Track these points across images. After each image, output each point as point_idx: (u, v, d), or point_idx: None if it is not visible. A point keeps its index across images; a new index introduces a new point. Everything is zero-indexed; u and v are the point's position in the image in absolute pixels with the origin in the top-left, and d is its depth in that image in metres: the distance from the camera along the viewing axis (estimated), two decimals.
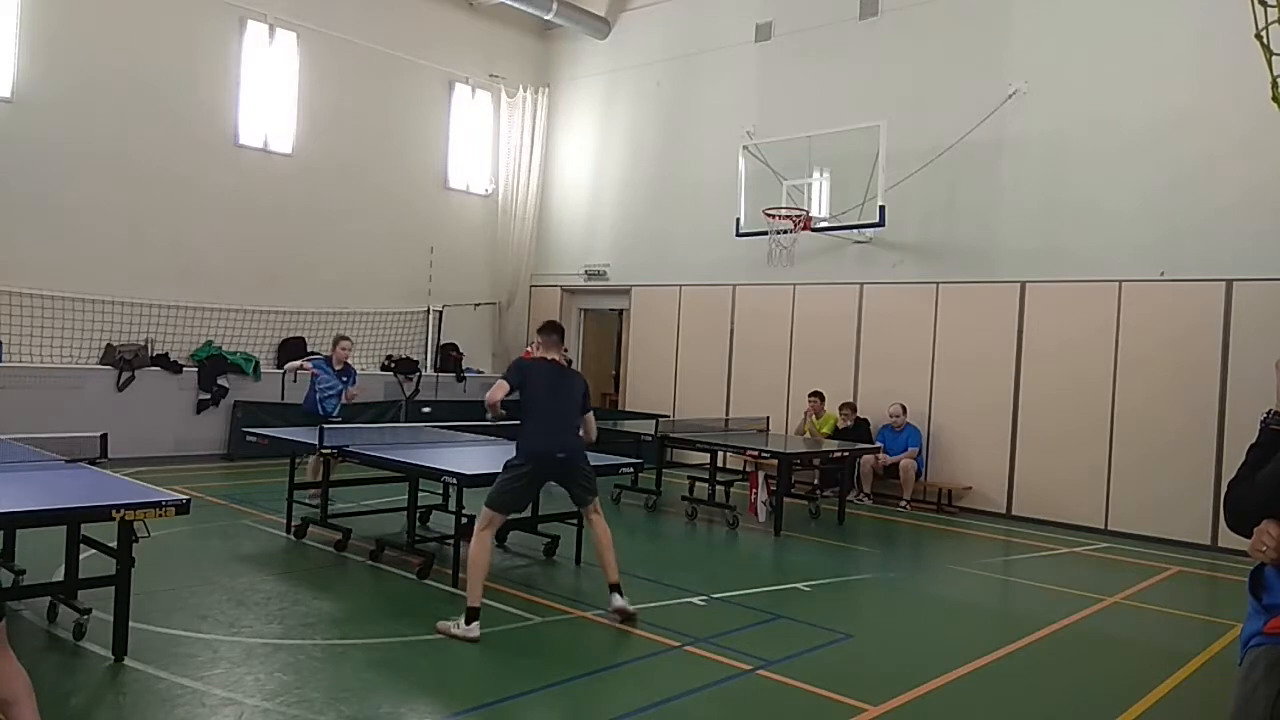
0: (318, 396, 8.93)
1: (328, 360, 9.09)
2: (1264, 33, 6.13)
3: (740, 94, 12.76)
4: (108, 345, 10.72)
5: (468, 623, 4.98)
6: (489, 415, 5.32)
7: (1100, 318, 9.66)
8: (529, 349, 12.25)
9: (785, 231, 10.92)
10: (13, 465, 5.24)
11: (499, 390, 5.24)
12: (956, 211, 10.75)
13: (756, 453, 9.28)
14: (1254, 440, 2.50)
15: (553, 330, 5.67)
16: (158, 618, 5.08)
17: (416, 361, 13.67)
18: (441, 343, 14.13)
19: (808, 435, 11.06)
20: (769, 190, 11.20)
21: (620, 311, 14.61)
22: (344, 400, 9.08)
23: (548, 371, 5.51)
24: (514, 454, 5.42)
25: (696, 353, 13.06)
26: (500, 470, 5.44)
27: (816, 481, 10.65)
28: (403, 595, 5.98)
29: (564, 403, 5.51)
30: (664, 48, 13.80)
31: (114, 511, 4.22)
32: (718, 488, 9.50)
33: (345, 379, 9.06)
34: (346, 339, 9.26)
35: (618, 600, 5.47)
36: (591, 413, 5.73)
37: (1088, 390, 9.69)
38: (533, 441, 5.37)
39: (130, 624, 4.51)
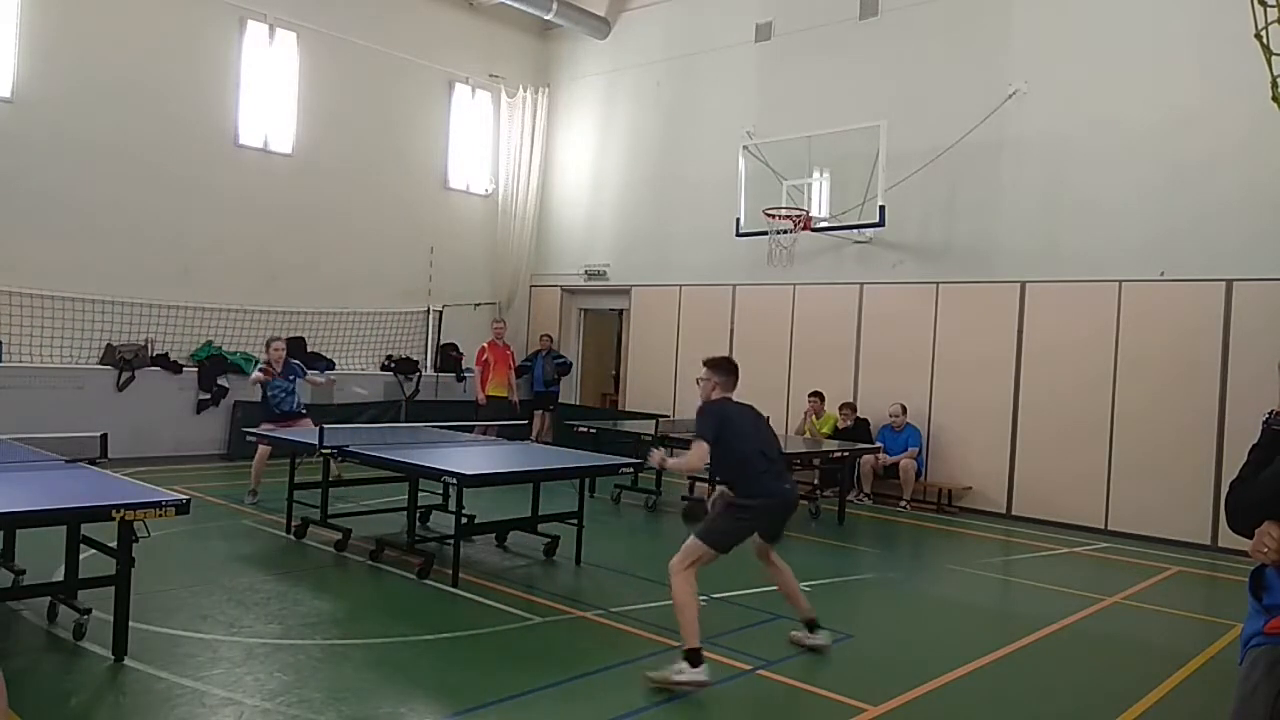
0: (272, 399, 9.00)
1: (267, 365, 9.11)
2: (1264, 33, 6.13)
3: (740, 94, 12.75)
4: (108, 345, 10.71)
5: (694, 665, 4.43)
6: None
7: (1100, 318, 9.66)
8: (484, 345, 12.43)
9: (785, 231, 10.92)
10: (13, 465, 5.24)
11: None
12: (956, 211, 10.75)
13: None
14: (1255, 441, 2.50)
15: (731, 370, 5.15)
16: (158, 618, 5.08)
17: (416, 361, 13.67)
18: (441, 343, 14.13)
19: (808, 435, 11.05)
20: (769, 190, 11.20)
21: (620, 311, 14.61)
22: (314, 386, 9.32)
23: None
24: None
25: (696, 353, 12.87)
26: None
27: (816, 481, 10.64)
28: (403, 595, 5.98)
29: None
30: (664, 48, 13.79)
31: (114, 511, 4.22)
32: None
33: (291, 377, 9.12)
34: (278, 339, 9.30)
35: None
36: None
37: (1088, 390, 9.68)
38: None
39: (130, 624, 4.51)
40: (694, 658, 4.44)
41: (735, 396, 5.18)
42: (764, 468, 4.91)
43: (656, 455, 5.01)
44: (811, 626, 5.14)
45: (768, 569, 5.16)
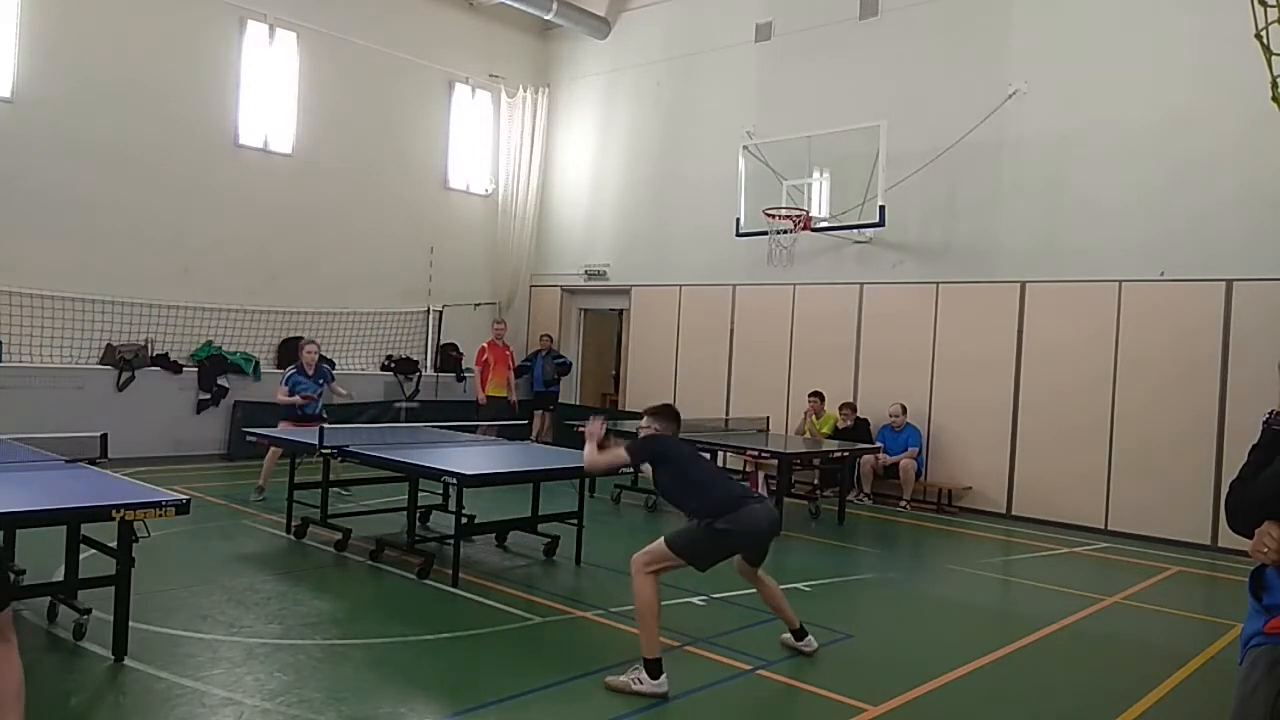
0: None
1: (300, 370, 9.15)
2: (1264, 33, 6.13)
3: (740, 94, 12.75)
4: (108, 345, 10.71)
5: (654, 677, 4.33)
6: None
7: (1100, 318, 9.66)
8: (484, 345, 12.43)
9: (785, 231, 10.92)
10: (13, 465, 5.24)
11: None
12: (956, 211, 10.75)
13: (756, 453, 9.28)
14: (1255, 440, 2.50)
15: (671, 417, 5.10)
16: (158, 618, 5.08)
17: (416, 361, 13.67)
18: (441, 343, 14.13)
19: (808, 435, 11.05)
20: (769, 190, 11.20)
21: (620, 311, 14.61)
22: (332, 399, 9.26)
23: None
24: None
25: (696, 353, 13.06)
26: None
27: (816, 481, 10.64)
28: (403, 595, 5.98)
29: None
30: (664, 48, 13.80)
31: (114, 511, 4.22)
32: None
33: (320, 381, 9.16)
34: (311, 342, 9.32)
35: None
36: None
37: (1088, 390, 9.69)
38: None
39: (130, 624, 4.52)
40: (654, 669, 4.35)
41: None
42: (735, 489, 4.86)
43: (596, 425, 5.07)
44: (799, 635, 5.12)
45: (752, 584, 5.11)
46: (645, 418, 5.11)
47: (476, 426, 9.97)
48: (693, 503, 4.71)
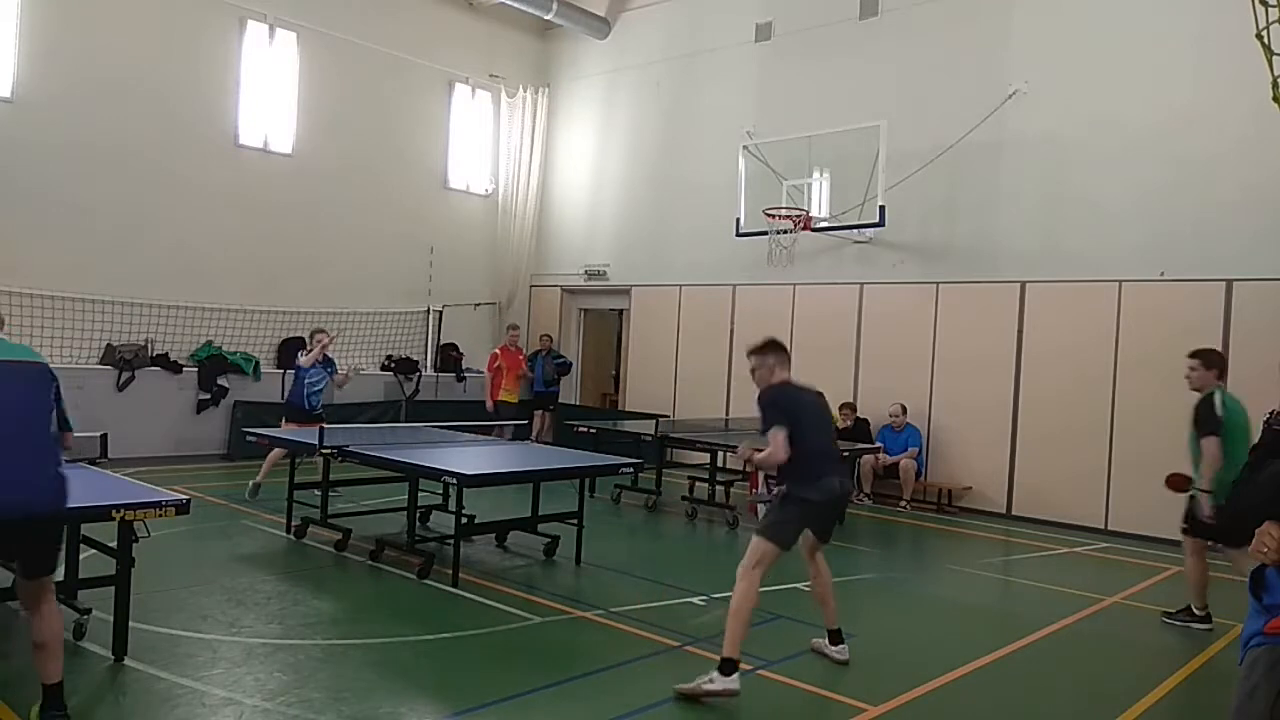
0: (305, 391, 9.10)
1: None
2: (1264, 33, 6.14)
3: (740, 94, 12.75)
4: (108, 345, 10.71)
5: (726, 674, 4.26)
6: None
7: (1100, 318, 9.66)
8: (496, 350, 12.43)
9: (785, 231, 10.92)
10: None
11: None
12: (956, 211, 10.75)
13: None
14: (1256, 440, 2.51)
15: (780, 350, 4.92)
16: (158, 618, 5.08)
17: (416, 361, 13.67)
18: (441, 343, 14.13)
19: None
20: (769, 190, 11.20)
21: (620, 311, 14.61)
22: (335, 386, 9.42)
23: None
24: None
25: (696, 353, 13.06)
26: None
27: None
28: (403, 595, 5.98)
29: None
30: (664, 48, 13.80)
31: (114, 511, 4.22)
32: (718, 488, 9.50)
33: (329, 370, 9.26)
34: (320, 330, 9.41)
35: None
36: None
37: (1088, 390, 9.68)
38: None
39: (130, 624, 4.52)
40: (728, 666, 4.30)
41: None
42: (829, 463, 4.78)
43: (744, 449, 4.83)
44: (835, 639, 5.07)
45: (810, 567, 5.09)
46: (754, 356, 4.89)
47: (492, 427, 10.04)
48: (788, 464, 4.58)
